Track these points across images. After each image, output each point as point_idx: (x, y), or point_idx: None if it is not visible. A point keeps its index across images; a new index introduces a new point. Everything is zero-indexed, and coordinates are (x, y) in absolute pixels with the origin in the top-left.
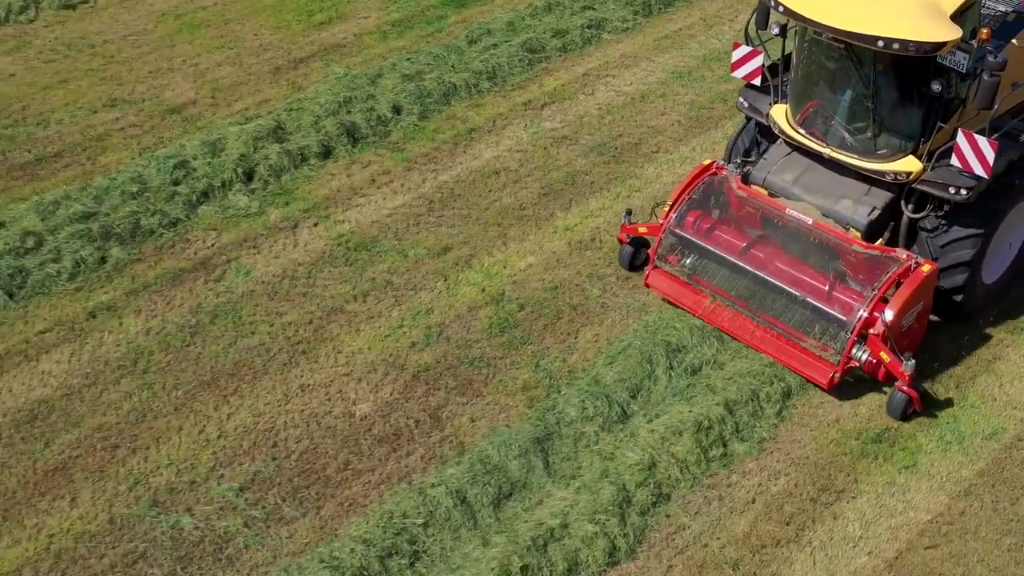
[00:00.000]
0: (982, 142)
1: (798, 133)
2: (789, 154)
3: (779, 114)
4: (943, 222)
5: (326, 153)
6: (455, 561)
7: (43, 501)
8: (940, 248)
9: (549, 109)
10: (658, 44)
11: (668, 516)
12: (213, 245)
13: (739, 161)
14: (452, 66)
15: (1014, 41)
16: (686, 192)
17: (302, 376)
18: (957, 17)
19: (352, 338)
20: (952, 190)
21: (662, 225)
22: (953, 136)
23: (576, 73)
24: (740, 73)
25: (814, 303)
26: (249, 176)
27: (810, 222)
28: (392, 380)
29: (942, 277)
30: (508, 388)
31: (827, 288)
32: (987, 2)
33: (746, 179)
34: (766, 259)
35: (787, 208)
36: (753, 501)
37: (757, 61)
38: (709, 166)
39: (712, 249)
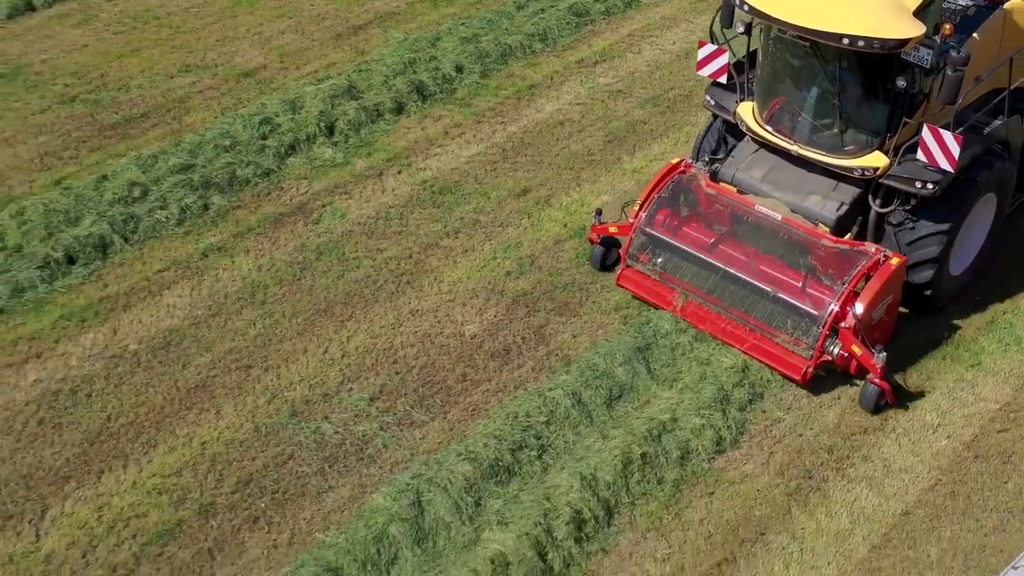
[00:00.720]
0: (947, 137)
1: (765, 130)
2: (757, 151)
3: (746, 111)
4: (910, 216)
5: (399, 109)
6: (579, 453)
7: (190, 414)
8: (908, 242)
9: (601, 67)
10: (694, 6)
11: (764, 411)
12: (306, 192)
13: (707, 159)
14: (505, 29)
15: (975, 35)
16: (655, 191)
17: (410, 303)
18: (920, 13)
19: (451, 269)
20: (919, 184)
21: (632, 224)
22: (918, 131)
23: (621, 34)
24: (706, 71)
25: (785, 298)
26: (331, 130)
27: (779, 218)
28: (494, 304)
29: (910, 270)
30: (602, 308)
31: (798, 283)
32: None
33: (715, 177)
34: (736, 256)
35: (756, 205)
36: (839, 397)
37: (723, 59)
38: (678, 164)
39: (683, 247)
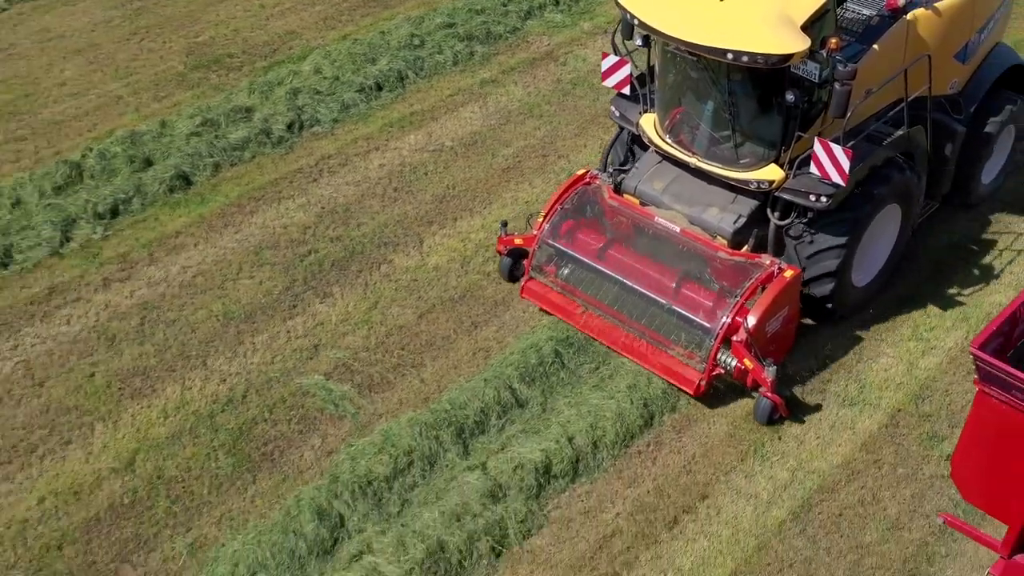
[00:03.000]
0: (837, 150)
1: (665, 142)
2: (660, 163)
3: (648, 124)
4: (809, 229)
5: None
6: None
7: (509, 185)
8: (806, 255)
9: None
10: None
11: None
12: (549, 44)
13: (612, 170)
14: None
15: (876, 46)
16: (559, 202)
17: None
18: (809, 27)
19: None
20: (813, 198)
21: (536, 236)
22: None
23: None
24: (610, 82)
25: (680, 311)
26: (557, 1)
27: (678, 230)
28: None
29: (811, 283)
30: None
31: (693, 295)
32: (852, 5)
33: (618, 188)
34: (635, 268)
35: (656, 217)
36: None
37: (625, 71)
38: (583, 175)
39: (584, 259)
